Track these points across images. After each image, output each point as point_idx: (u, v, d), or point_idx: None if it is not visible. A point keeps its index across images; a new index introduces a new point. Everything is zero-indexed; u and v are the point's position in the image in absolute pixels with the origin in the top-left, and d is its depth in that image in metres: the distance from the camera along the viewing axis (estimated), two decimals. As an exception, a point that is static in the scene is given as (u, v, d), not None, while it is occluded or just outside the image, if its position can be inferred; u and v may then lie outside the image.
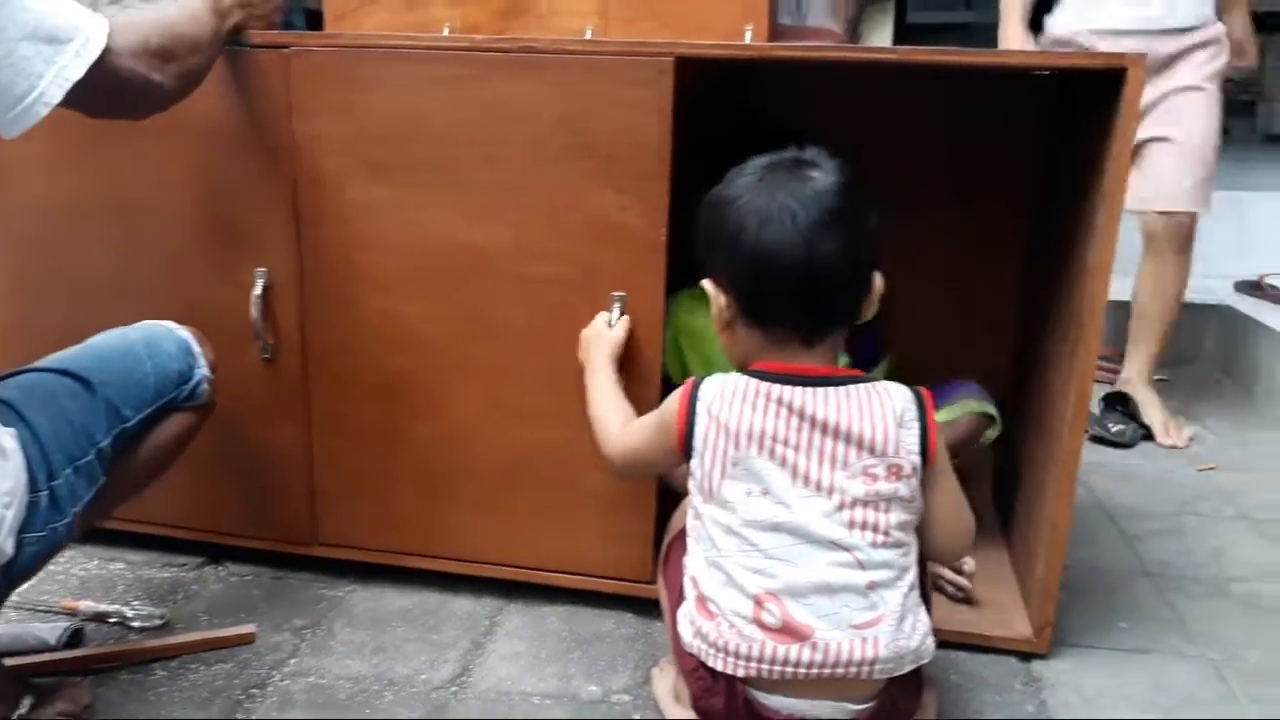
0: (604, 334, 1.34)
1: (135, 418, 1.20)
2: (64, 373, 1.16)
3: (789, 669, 1.03)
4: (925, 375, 1.79)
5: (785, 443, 1.04)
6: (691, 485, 1.11)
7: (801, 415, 1.04)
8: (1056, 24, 2.26)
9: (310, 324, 1.46)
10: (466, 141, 1.35)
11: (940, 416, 1.42)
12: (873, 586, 1.04)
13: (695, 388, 1.10)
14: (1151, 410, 2.33)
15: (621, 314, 1.35)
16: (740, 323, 1.10)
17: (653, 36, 1.45)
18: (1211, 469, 2.12)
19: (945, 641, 1.39)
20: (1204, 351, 2.86)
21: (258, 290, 1.44)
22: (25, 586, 1.49)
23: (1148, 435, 2.31)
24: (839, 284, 1.06)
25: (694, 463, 1.09)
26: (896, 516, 1.05)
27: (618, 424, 1.25)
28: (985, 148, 1.73)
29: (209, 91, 1.38)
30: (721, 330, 1.13)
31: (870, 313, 1.10)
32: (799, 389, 1.05)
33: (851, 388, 1.06)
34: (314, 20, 3.39)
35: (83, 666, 1.33)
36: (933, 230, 1.78)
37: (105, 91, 1.11)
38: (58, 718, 1.18)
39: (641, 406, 1.29)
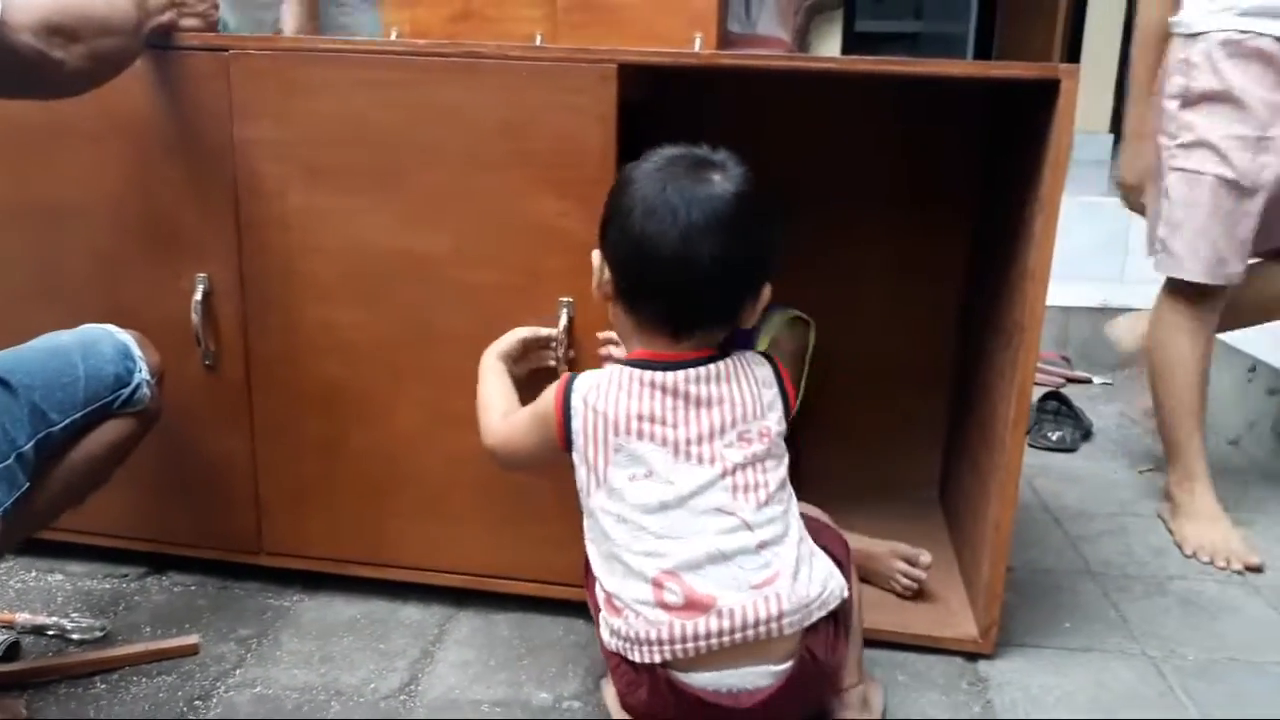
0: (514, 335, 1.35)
1: (62, 421, 1.17)
2: None
3: (700, 642, 1.04)
4: (868, 377, 1.82)
5: (663, 422, 1.08)
6: (579, 482, 1.13)
7: (675, 394, 1.08)
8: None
9: (252, 331, 1.44)
10: (407, 147, 1.35)
11: (763, 345, 1.48)
12: (763, 545, 1.06)
13: (570, 381, 1.13)
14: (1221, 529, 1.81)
15: (570, 319, 1.35)
16: (618, 302, 1.13)
17: (602, 43, 1.45)
18: (1152, 470, 2.16)
19: (892, 643, 1.41)
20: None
21: (198, 296, 1.42)
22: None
23: (1086, 436, 2.35)
24: (712, 287, 1.07)
25: (576, 456, 1.12)
26: (774, 474, 1.09)
27: (499, 414, 1.25)
28: (931, 154, 1.76)
29: (146, 94, 1.37)
30: (602, 300, 1.17)
31: (751, 320, 1.13)
32: (669, 372, 1.09)
33: (717, 364, 1.10)
34: (261, 24, 3.34)
35: (19, 680, 1.30)
36: (877, 234, 1.80)
37: (4, 66, 1.08)
38: (-9, 734, 1.16)
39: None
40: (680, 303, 1.09)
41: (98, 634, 1.41)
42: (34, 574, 1.58)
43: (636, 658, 1.07)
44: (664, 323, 1.10)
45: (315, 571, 1.54)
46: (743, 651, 1.05)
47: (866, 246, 1.79)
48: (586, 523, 1.15)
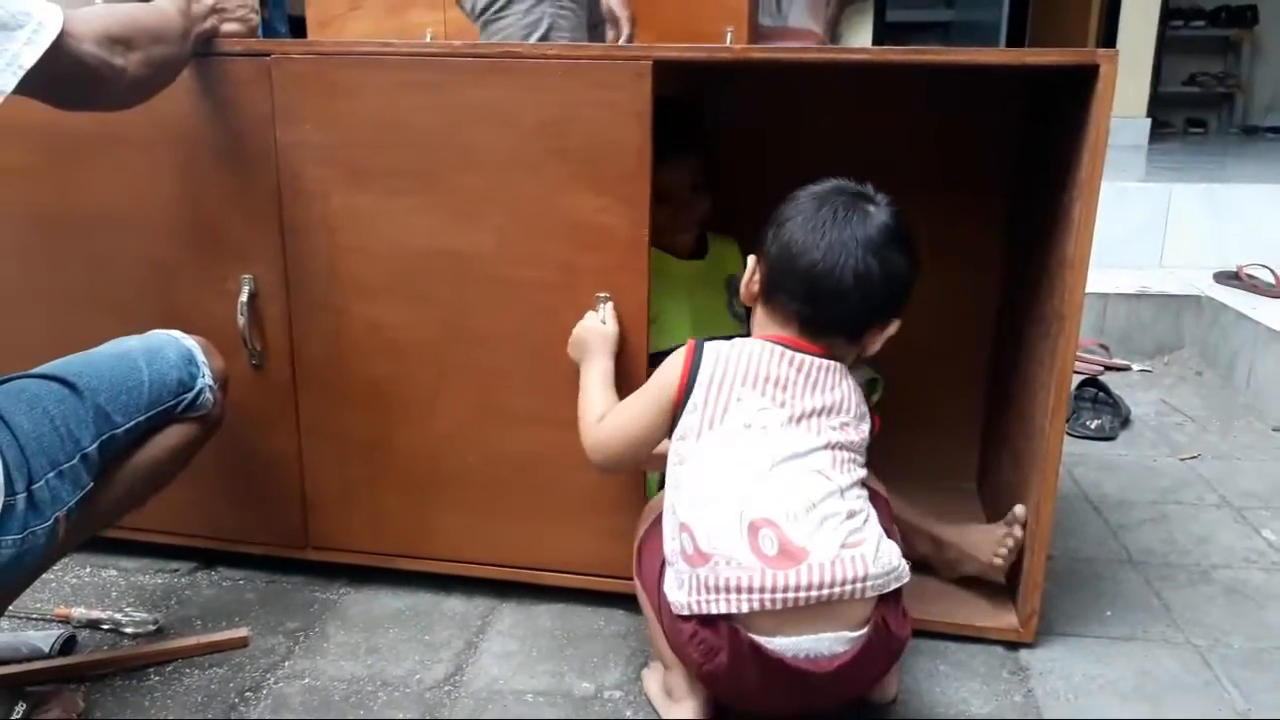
0: (598, 329, 1.36)
1: (126, 424, 1.18)
2: (52, 378, 1.15)
3: (790, 594, 1.06)
4: (905, 370, 1.81)
5: (784, 389, 1.15)
6: (683, 430, 1.17)
7: (800, 370, 1.16)
8: None
9: (297, 332, 1.47)
10: (447, 147, 1.36)
11: None
12: (852, 514, 1.12)
13: (700, 343, 1.20)
14: None
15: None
16: (762, 301, 1.22)
17: (635, 40, 1.46)
18: (1194, 458, 2.14)
19: (934, 632, 1.42)
20: (1184, 342, 2.89)
21: (244, 298, 1.45)
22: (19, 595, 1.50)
23: (1125, 423, 2.33)
24: (845, 300, 1.16)
25: (689, 405, 1.16)
26: (859, 472, 1.17)
27: (599, 413, 1.29)
28: (965, 144, 1.75)
29: (191, 100, 1.40)
30: (749, 300, 1.25)
31: (873, 347, 1.21)
32: (800, 355, 1.17)
33: (831, 363, 1.18)
34: (297, 27, 3.40)
35: (76, 674, 1.34)
36: (914, 224, 1.79)
37: (66, 79, 1.11)
38: (52, 725, 1.19)
39: (628, 405, 1.30)
40: (815, 307, 1.17)
41: (151, 628, 1.44)
42: (88, 570, 1.62)
43: (722, 608, 1.08)
44: (797, 322, 1.18)
45: (361, 565, 1.57)
46: (823, 615, 1.08)
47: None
48: (677, 474, 1.17)
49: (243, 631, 1.42)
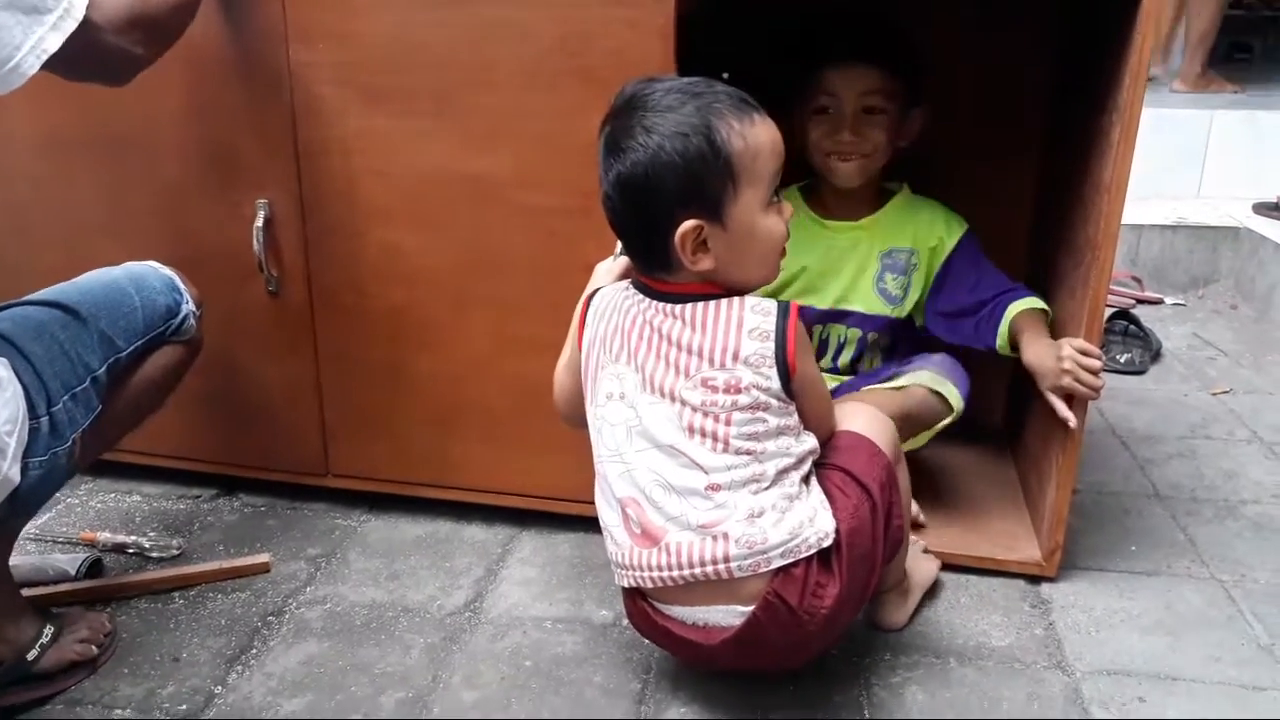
0: (603, 267, 1.26)
1: (128, 348, 1.22)
2: (53, 304, 1.18)
3: (654, 573, 1.06)
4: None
5: (639, 349, 1.07)
6: (584, 390, 1.15)
7: (653, 326, 1.07)
8: None
9: (313, 257, 1.45)
10: (464, 67, 1.33)
11: (895, 383, 1.43)
12: (715, 488, 1.04)
13: (594, 295, 1.15)
14: None
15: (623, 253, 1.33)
16: None
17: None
18: (1225, 392, 2.11)
19: (955, 565, 1.41)
20: (1220, 275, 2.83)
21: (259, 223, 1.43)
22: (44, 518, 1.52)
23: (1156, 357, 2.29)
24: (620, 224, 1.08)
25: (582, 364, 1.14)
26: (739, 428, 1.04)
27: (559, 367, 1.23)
28: (1001, 71, 1.68)
29: (203, 20, 1.36)
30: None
31: (693, 264, 1.04)
32: (656, 302, 1.08)
33: (702, 303, 1.05)
34: (313, -53, 3.30)
35: (103, 596, 1.36)
36: (946, 153, 1.74)
37: (83, 61, 1.11)
38: (79, 646, 1.21)
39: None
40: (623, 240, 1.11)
41: (174, 552, 1.46)
42: (113, 495, 1.63)
43: (617, 580, 1.13)
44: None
45: (381, 493, 1.57)
46: (705, 590, 1.06)
47: (934, 166, 1.74)
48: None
49: (265, 557, 1.43)
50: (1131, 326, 2.32)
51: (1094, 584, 1.40)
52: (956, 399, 1.43)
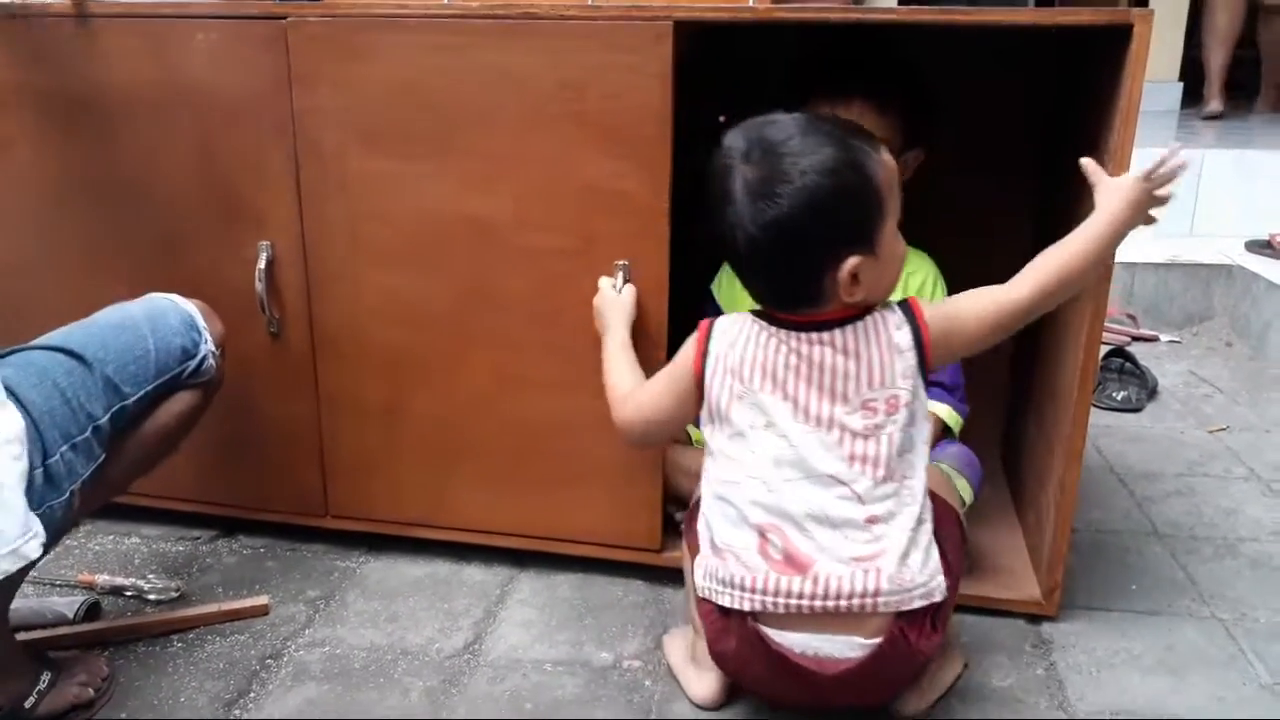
0: (613, 299, 1.33)
1: (135, 395, 1.19)
2: (60, 350, 1.15)
3: (791, 600, 1.05)
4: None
5: (787, 378, 1.07)
6: (704, 418, 1.14)
7: (799, 354, 1.07)
8: None
9: (315, 298, 1.46)
10: (464, 110, 1.34)
11: None
12: (873, 520, 1.05)
13: (711, 325, 1.14)
14: None
15: (626, 281, 1.35)
16: None
17: (656, 0, 1.43)
18: (1222, 430, 2.11)
19: (956, 605, 1.40)
20: (1214, 313, 2.85)
21: (262, 264, 1.44)
22: (42, 562, 1.52)
23: (1152, 395, 2.30)
24: (766, 265, 1.06)
25: (705, 390, 1.12)
26: (897, 446, 1.06)
27: (628, 387, 1.25)
28: (995, 108, 1.71)
29: (206, 64, 1.39)
30: None
31: (849, 294, 1.05)
32: (799, 333, 1.08)
33: (849, 327, 1.07)
34: (314, -9, 3.35)
35: (100, 640, 1.35)
36: (941, 193, 1.76)
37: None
38: (76, 689, 1.20)
39: (650, 373, 1.28)
40: (755, 287, 1.11)
41: (173, 594, 1.45)
42: (112, 537, 1.63)
43: (727, 602, 1.08)
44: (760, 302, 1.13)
45: (380, 533, 1.57)
46: (834, 620, 1.05)
47: (929, 208, 1.75)
48: (705, 462, 1.16)
49: (263, 599, 1.43)
50: (1127, 364, 2.32)
51: (1095, 623, 1.40)
52: (968, 493, 1.43)
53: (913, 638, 1.06)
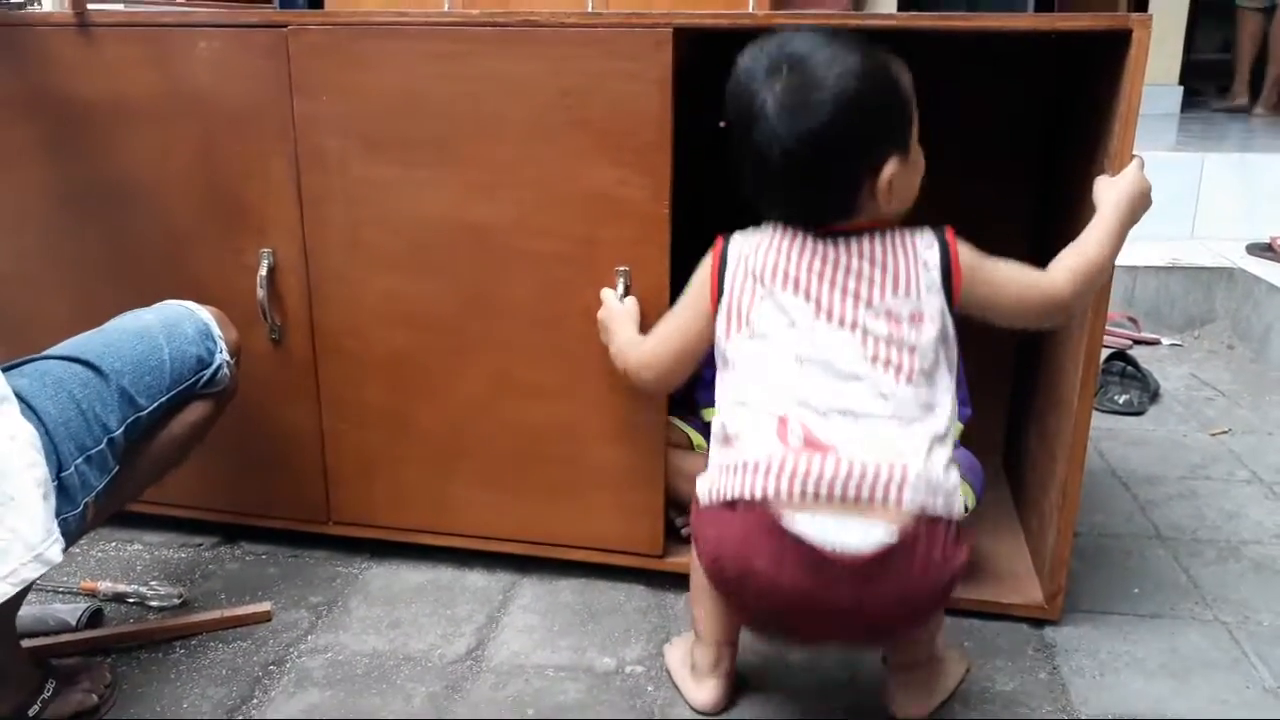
0: (617, 309, 1.33)
1: (150, 406, 1.18)
2: (76, 360, 1.14)
3: (810, 481, 0.99)
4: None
5: (810, 280, 1.05)
6: (717, 337, 1.11)
7: (825, 258, 1.05)
8: None
9: (317, 305, 1.46)
10: (465, 117, 1.35)
11: None
12: (898, 418, 1.02)
13: (727, 238, 1.12)
14: None
15: (627, 290, 1.35)
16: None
17: (656, 7, 1.44)
18: (1224, 433, 2.11)
19: (957, 610, 1.40)
20: (1216, 316, 2.85)
21: (263, 271, 1.44)
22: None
23: (1154, 398, 2.30)
24: (803, 178, 1.04)
25: (721, 309, 1.10)
26: (920, 363, 1.03)
27: (630, 334, 1.25)
28: (994, 114, 1.71)
29: (207, 72, 1.39)
30: None
31: (888, 202, 1.06)
32: (821, 237, 1.07)
33: (877, 234, 1.06)
34: (315, -2, 3.37)
35: (103, 646, 1.35)
36: (938, 197, 1.76)
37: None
38: (80, 696, 1.20)
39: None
40: (788, 206, 1.09)
41: (175, 601, 1.45)
42: (114, 544, 1.63)
43: (737, 489, 1.02)
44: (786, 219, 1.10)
45: (382, 539, 1.57)
46: (854, 507, 0.99)
47: (926, 210, 1.76)
48: (722, 379, 1.12)
49: (266, 606, 1.43)
50: (1129, 368, 2.32)
51: (1098, 627, 1.40)
52: (971, 498, 1.42)
53: (937, 546, 1.00)
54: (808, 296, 1.05)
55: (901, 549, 0.99)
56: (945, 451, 1.04)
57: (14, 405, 1.05)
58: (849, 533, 0.98)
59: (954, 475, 1.03)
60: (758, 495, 1.00)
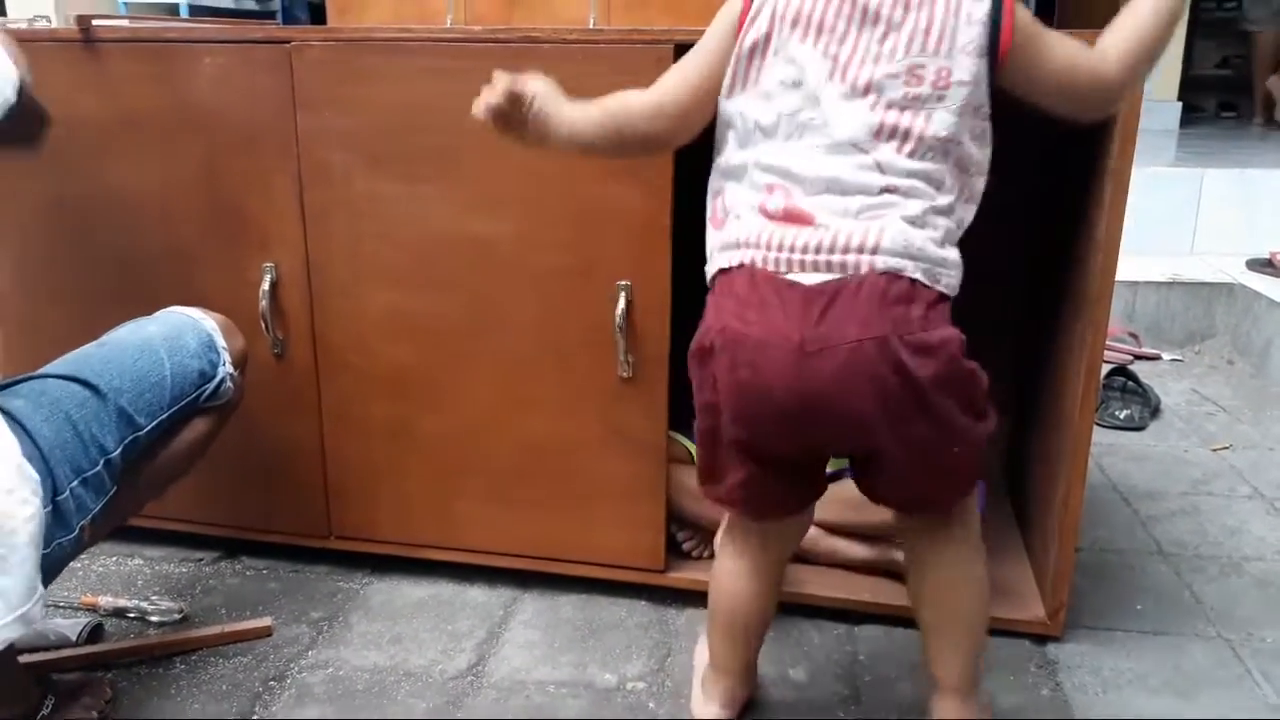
0: (544, 84, 1.11)
1: (149, 425, 1.15)
2: (73, 379, 1.11)
3: (783, 254, 0.97)
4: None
5: (836, 29, 0.98)
6: (726, 90, 1.05)
7: (856, 3, 0.98)
8: None
9: (319, 318, 1.47)
10: (468, 133, 1.34)
11: None
12: (889, 190, 0.97)
13: None
14: None
15: (630, 304, 1.35)
16: None
17: (655, 23, 1.44)
18: (1225, 448, 2.11)
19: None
20: (1216, 331, 2.85)
21: (266, 285, 1.45)
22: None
23: (1155, 413, 2.30)
24: None
25: (734, 51, 1.02)
26: (937, 128, 0.97)
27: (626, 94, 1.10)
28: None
29: (211, 87, 1.40)
30: None
31: None
32: None
33: None
34: (317, 13, 3.40)
35: (103, 661, 1.35)
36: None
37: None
38: (81, 714, 1.19)
39: (652, 393, 1.29)
40: None
41: (176, 616, 1.45)
42: (115, 559, 1.63)
43: (725, 262, 1.01)
44: None
45: (383, 554, 1.57)
46: (829, 272, 0.96)
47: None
48: (722, 151, 1.07)
49: (266, 621, 1.43)
50: (1130, 383, 2.32)
51: (1101, 643, 1.39)
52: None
53: (916, 306, 0.95)
54: (827, 53, 0.98)
55: (864, 292, 0.94)
56: (940, 228, 0.99)
57: (15, 447, 1.02)
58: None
59: (948, 253, 0.99)
60: (744, 263, 1.00)
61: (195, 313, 1.27)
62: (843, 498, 1.49)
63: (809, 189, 0.98)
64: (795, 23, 0.99)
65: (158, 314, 1.27)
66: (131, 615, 1.45)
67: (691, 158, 1.33)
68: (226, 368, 1.25)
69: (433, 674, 1.33)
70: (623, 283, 1.35)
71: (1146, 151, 1.94)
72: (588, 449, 1.43)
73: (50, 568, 1.07)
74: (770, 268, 0.98)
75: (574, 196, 1.35)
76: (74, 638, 1.37)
